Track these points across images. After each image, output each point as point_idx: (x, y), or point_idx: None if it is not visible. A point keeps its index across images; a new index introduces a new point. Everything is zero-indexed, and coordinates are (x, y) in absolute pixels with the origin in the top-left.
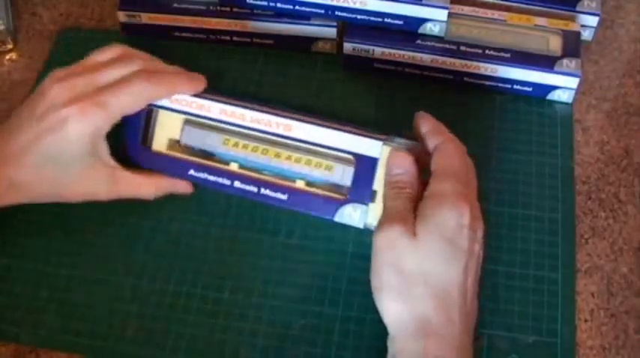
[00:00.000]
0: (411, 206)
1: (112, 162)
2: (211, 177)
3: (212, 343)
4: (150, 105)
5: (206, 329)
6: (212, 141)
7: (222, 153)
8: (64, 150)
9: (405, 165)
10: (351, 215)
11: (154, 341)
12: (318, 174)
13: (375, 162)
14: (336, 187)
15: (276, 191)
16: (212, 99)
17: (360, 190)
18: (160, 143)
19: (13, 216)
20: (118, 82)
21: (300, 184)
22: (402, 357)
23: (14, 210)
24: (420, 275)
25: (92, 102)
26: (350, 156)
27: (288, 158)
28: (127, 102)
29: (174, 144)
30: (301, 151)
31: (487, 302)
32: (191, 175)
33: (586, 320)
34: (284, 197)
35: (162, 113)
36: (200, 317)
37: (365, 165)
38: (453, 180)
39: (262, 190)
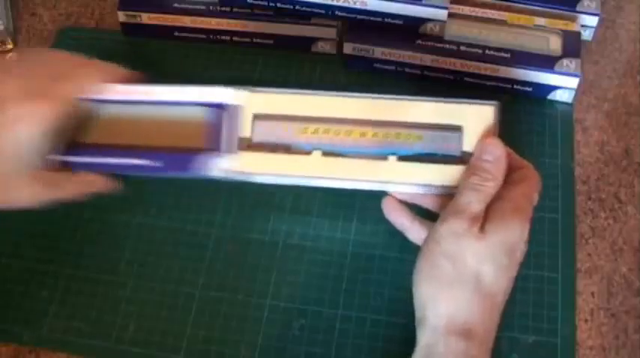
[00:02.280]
0: (485, 205)
1: (43, 165)
2: None
3: (212, 343)
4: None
5: (206, 329)
6: (288, 133)
7: (301, 143)
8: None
9: (497, 154)
10: None
11: (154, 341)
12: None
13: None
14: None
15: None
16: (278, 93)
17: None
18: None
19: (14, 215)
20: (64, 73)
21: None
22: (440, 351)
23: (15, 210)
24: (475, 273)
25: (39, 97)
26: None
27: (375, 135)
28: (74, 91)
29: (244, 143)
30: (386, 126)
31: None
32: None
33: (586, 320)
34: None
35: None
36: (200, 317)
37: None
38: (531, 196)
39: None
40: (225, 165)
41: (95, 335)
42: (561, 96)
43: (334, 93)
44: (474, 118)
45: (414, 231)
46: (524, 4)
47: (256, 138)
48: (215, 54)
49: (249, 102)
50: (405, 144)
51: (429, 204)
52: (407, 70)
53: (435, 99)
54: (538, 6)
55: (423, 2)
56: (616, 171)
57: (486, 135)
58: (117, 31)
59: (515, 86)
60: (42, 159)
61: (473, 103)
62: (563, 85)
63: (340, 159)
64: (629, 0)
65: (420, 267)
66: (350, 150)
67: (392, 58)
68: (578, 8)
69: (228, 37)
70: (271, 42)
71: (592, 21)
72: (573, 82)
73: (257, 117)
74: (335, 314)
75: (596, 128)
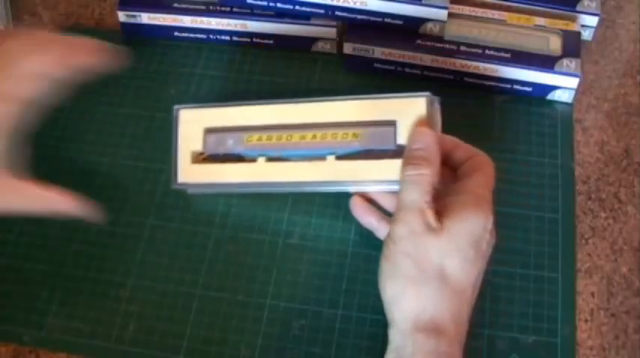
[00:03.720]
0: (429, 195)
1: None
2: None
3: (212, 343)
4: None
5: (206, 329)
6: (236, 143)
7: (248, 151)
8: None
9: (427, 141)
10: None
11: (154, 341)
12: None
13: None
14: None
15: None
16: (224, 106)
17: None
18: (184, 155)
19: (14, 215)
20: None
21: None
22: (409, 352)
23: None
24: (439, 269)
25: None
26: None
27: (314, 137)
28: (12, 86)
29: (198, 155)
30: (324, 127)
31: (487, 302)
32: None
33: (586, 320)
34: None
35: (181, 128)
36: (200, 317)
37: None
38: (489, 184)
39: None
40: (182, 180)
41: (95, 335)
42: (561, 96)
43: (275, 101)
44: (408, 111)
45: (381, 229)
46: (524, 4)
47: (209, 151)
48: (215, 54)
49: (199, 118)
50: (342, 143)
51: (386, 204)
52: (407, 70)
53: (369, 96)
54: (538, 6)
55: (423, 2)
56: (616, 171)
57: (418, 125)
58: (117, 31)
59: (515, 86)
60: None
61: (405, 97)
62: (563, 85)
63: (283, 164)
64: (629, 0)
65: (382, 269)
66: (292, 153)
67: (392, 58)
68: (578, 8)
69: (228, 37)
70: (271, 42)
71: (592, 21)
72: (573, 82)
73: (208, 130)
74: (335, 314)
75: (596, 128)
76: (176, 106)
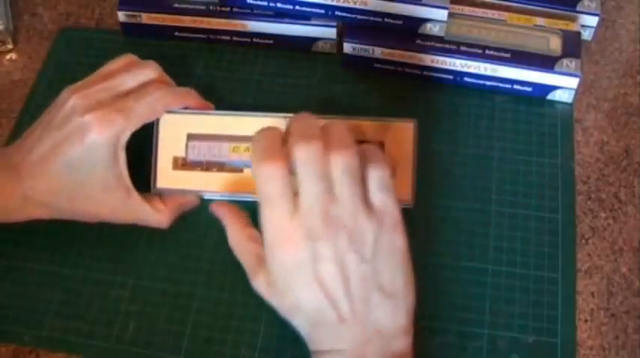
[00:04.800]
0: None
1: (128, 180)
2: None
3: (212, 343)
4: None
5: (206, 329)
6: (220, 152)
7: (233, 162)
8: (83, 159)
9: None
10: None
11: (154, 341)
12: None
13: None
14: None
15: None
16: (210, 114)
17: None
18: (164, 160)
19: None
20: (137, 90)
21: None
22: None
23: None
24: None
25: (113, 109)
26: None
27: None
28: (146, 109)
29: (179, 161)
30: None
31: (487, 302)
32: None
33: (586, 320)
34: None
35: (163, 131)
36: (200, 317)
37: None
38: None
39: None
40: (162, 185)
41: (95, 335)
42: (561, 96)
43: (265, 114)
44: (395, 135)
45: None
46: (524, 4)
47: (190, 157)
48: (215, 54)
49: (182, 123)
50: None
51: None
52: (407, 70)
53: (357, 117)
54: (538, 6)
55: (423, 2)
56: (616, 171)
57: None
58: (117, 31)
59: (515, 86)
60: (117, 174)
61: (393, 121)
62: (563, 85)
63: None
64: (629, 0)
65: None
66: None
67: (392, 58)
68: (578, 8)
69: (228, 37)
70: (271, 42)
71: (592, 21)
72: (573, 82)
73: (191, 137)
74: None
75: (596, 128)
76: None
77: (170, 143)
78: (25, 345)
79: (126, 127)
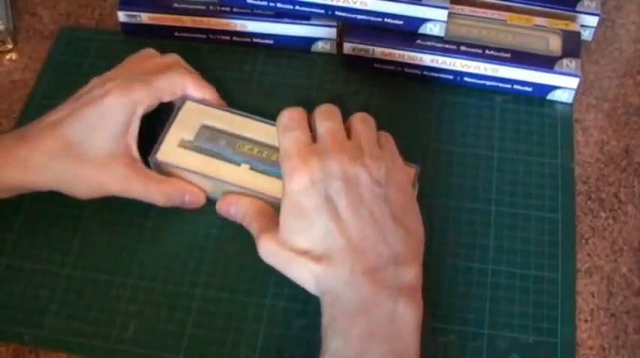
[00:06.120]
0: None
1: (136, 151)
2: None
3: (212, 343)
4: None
5: (206, 329)
6: (226, 146)
7: (234, 156)
8: (97, 120)
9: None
10: None
11: (154, 341)
12: None
13: None
14: None
15: None
16: (230, 112)
17: None
18: (171, 140)
19: (14, 215)
20: (161, 68)
21: None
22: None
23: (15, 209)
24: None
25: (134, 79)
26: None
27: None
28: (167, 84)
29: (185, 143)
30: None
31: (487, 302)
32: None
33: (586, 320)
34: None
35: (181, 115)
36: (200, 317)
37: None
38: (298, 139)
39: None
40: (162, 157)
41: (95, 335)
42: (561, 96)
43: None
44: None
45: None
46: (524, 4)
47: (197, 142)
48: (215, 54)
49: (202, 114)
50: None
51: None
52: (407, 70)
53: None
54: (538, 6)
55: (423, 2)
56: (616, 171)
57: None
58: (117, 31)
59: (514, 86)
60: (126, 145)
61: None
62: (563, 85)
63: (264, 176)
64: (629, 0)
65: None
66: (277, 171)
67: (392, 58)
68: (578, 8)
69: (228, 37)
70: (271, 42)
71: (592, 21)
72: (573, 82)
73: (204, 127)
74: None
75: (596, 128)
76: (187, 99)
77: (184, 127)
78: (25, 345)
79: (144, 97)
